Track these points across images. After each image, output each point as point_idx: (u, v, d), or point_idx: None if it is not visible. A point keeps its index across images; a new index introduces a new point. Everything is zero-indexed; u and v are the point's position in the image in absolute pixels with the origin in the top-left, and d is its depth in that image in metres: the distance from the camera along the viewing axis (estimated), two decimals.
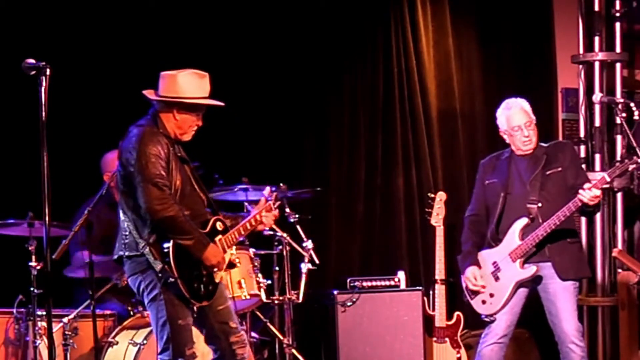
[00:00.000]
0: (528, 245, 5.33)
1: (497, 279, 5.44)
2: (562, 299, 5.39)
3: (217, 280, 4.83)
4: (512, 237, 5.39)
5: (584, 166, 6.71)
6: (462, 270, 5.60)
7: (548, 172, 5.43)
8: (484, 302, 5.50)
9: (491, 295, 5.47)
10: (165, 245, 4.65)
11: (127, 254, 4.75)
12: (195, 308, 4.81)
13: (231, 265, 4.95)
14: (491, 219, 5.53)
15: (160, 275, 4.65)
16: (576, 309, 5.43)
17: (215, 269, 4.79)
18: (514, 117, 5.51)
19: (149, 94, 4.84)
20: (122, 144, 4.77)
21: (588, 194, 5.15)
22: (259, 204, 5.04)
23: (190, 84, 4.79)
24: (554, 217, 5.24)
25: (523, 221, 5.37)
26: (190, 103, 4.79)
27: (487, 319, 5.51)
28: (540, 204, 5.36)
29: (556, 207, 5.27)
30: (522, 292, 5.46)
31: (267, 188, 5.11)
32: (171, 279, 4.64)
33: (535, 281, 5.43)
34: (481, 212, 5.63)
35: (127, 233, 4.74)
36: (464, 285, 5.61)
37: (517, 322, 5.54)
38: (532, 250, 5.35)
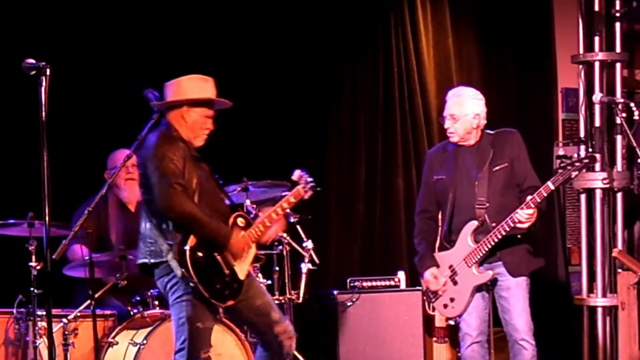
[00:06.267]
0: (481, 251, 5.25)
1: (455, 283, 5.36)
2: (514, 296, 5.31)
3: (241, 278, 4.81)
4: (465, 241, 5.30)
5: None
6: (420, 273, 5.49)
7: (495, 169, 5.28)
8: (445, 305, 5.43)
9: (452, 299, 5.39)
10: (184, 247, 4.66)
11: (152, 261, 4.77)
12: (220, 309, 4.85)
13: (257, 259, 4.96)
14: (443, 218, 5.42)
15: (182, 280, 4.68)
16: (528, 306, 5.34)
17: (237, 262, 4.79)
18: (447, 105, 5.40)
19: (156, 104, 4.88)
20: (141, 152, 4.80)
21: (523, 215, 5.09)
22: (291, 192, 5.03)
23: (194, 86, 4.85)
24: (499, 228, 5.17)
25: (473, 225, 5.27)
26: (196, 99, 4.81)
27: (451, 322, 5.50)
28: (488, 204, 5.24)
29: (504, 205, 5.19)
30: (483, 293, 5.39)
31: (297, 171, 5.08)
32: (192, 284, 4.67)
33: (491, 282, 5.37)
34: (432, 207, 5.48)
35: (151, 240, 4.75)
36: (423, 288, 5.55)
37: (489, 320, 5.44)
38: (485, 255, 5.28)
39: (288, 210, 5.07)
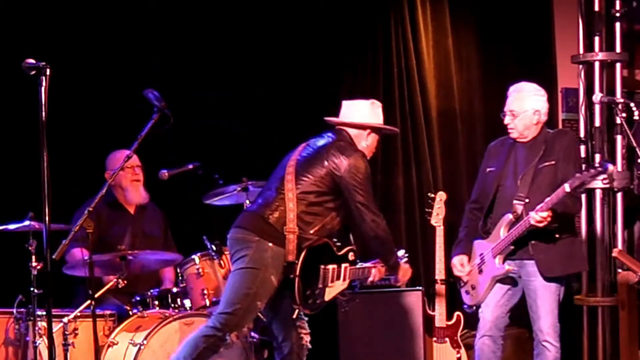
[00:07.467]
0: (505, 243, 5.32)
1: (480, 271, 5.47)
2: (542, 297, 5.37)
3: (325, 299, 4.98)
4: (498, 233, 5.38)
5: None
6: (452, 257, 5.64)
7: (541, 166, 5.34)
8: (467, 292, 5.58)
9: (473, 287, 5.52)
10: (306, 244, 4.86)
11: (268, 214, 4.88)
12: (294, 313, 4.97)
13: (343, 294, 5.12)
14: (484, 209, 5.51)
15: (285, 267, 4.81)
16: (556, 308, 5.40)
17: (331, 285, 4.99)
18: (507, 100, 5.49)
19: (337, 121, 5.24)
20: (328, 147, 5.07)
21: (536, 217, 5.13)
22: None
23: (376, 113, 5.20)
24: (520, 225, 5.23)
25: (507, 218, 5.34)
26: (385, 128, 5.24)
27: (468, 310, 5.59)
28: (527, 200, 5.29)
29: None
30: (504, 287, 5.47)
31: (402, 251, 5.41)
32: (291, 276, 4.80)
33: (514, 279, 5.44)
34: (481, 199, 5.58)
35: (282, 208, 4.88)
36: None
37: (507, 316, 5.53)
38: (510, 249, 5.33)
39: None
